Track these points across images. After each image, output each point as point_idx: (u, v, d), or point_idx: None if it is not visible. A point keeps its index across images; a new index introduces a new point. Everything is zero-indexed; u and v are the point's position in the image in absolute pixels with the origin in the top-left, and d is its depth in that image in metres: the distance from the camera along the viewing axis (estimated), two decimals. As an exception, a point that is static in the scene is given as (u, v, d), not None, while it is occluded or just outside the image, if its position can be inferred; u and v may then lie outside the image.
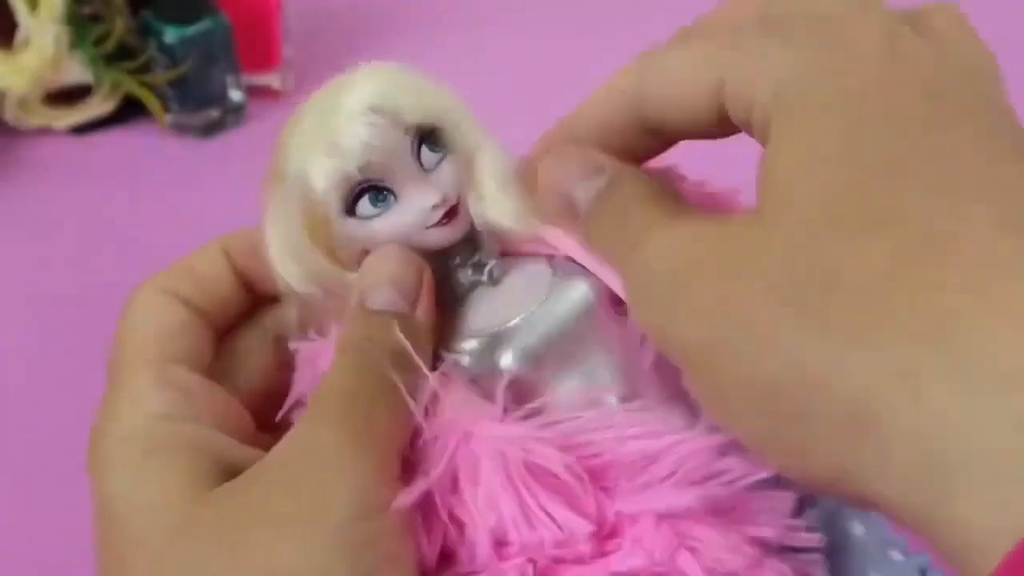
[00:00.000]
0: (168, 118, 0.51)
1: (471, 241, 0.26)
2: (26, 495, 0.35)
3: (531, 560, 0.22)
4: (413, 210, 0.24)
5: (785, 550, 0.24)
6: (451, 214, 0.25)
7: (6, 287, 0.43)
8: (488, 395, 0.24)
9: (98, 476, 0.23)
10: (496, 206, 0.25)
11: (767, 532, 0.23)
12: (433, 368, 0.24)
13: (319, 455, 0.21)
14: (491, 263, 0.25)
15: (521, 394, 0.24)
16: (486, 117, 0.26)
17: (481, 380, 0.24)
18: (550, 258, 0.26)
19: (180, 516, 0.21)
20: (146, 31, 0.49)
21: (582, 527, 0.22)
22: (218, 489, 0.22)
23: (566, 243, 0.25)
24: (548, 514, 0.22)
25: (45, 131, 0.51)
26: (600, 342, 0.25)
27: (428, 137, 0.25)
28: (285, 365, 0.26)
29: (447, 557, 0.23)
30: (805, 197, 0.19)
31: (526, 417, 0.23)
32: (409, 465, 0.23)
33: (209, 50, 0.49)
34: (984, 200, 0.18)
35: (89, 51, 0.48)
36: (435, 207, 0.24)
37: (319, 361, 0.25)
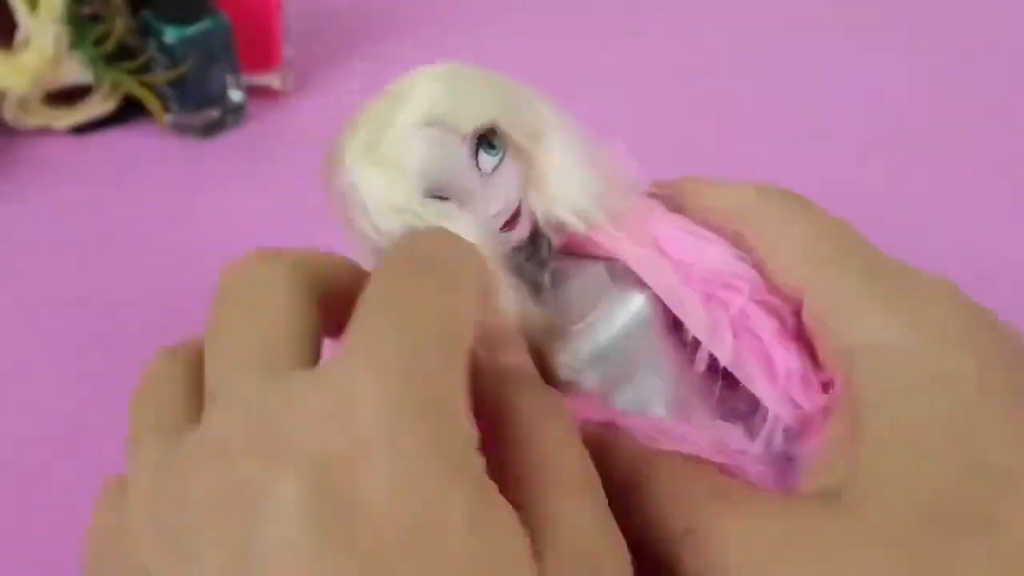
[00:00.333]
0: (168, 118, 0.51)
1: (534, 237, 0.25)
2: (27, 495, 0.35)
3: None
4: (474, 219, 0.24)
5: None
6: (513, 220, 0.24)
7: (6, 287, 0.43)
8: None
9: None
10: (559, 201, 0.24)
11: None
12: None
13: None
14: (551, 265, 0.25)
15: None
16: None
17: None
18: (609, 260, 0.25)
19: None
20: (146, 31, 0.49)
21: None
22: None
23: (627, 249, 0.24)
24: None
25: (45, 131, 0.51)
26: (652, 356, 0.24)
27: (486, 139, 0.24)
28: None
29: None
30: (906, 494, 0.19)
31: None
32: None
33: (209, 50, 0.49)
34: None
35: (89, 51, 0.48)
36: (496, 215, 0.24)
37: None
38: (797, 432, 0.23)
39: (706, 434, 0.23)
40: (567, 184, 0.24)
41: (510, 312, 0.23)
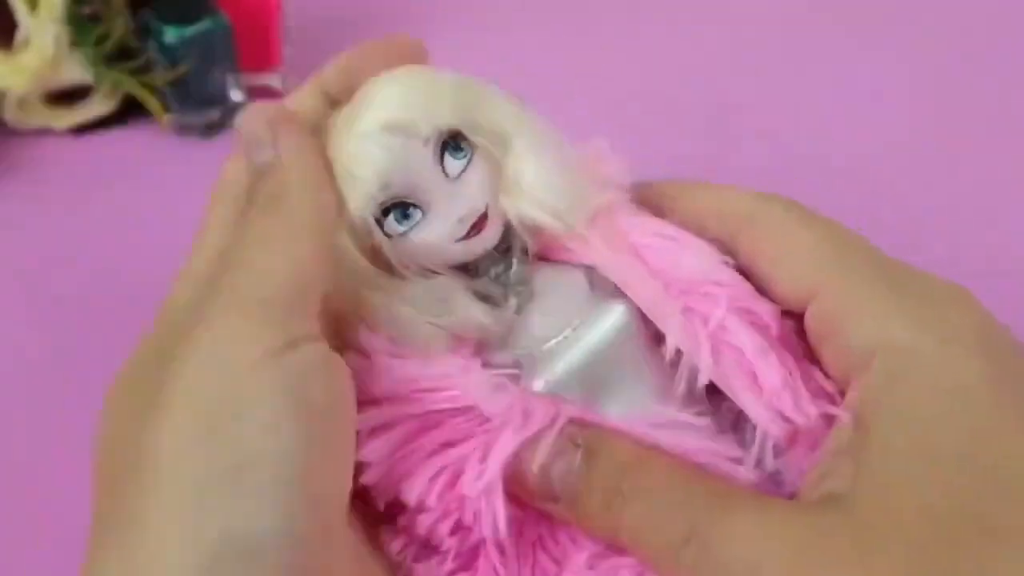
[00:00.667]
0: (168, 118, 0.51)
1: (506, 243, 0.24)
2: (27, 495, 0.35)
3: None
4: (440, 224, 0.23)
5: None
6: (480, 224, 0.23)
7: (6, 287, 0.43)
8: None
9: None
10: (531, 203, 0.24)
11: None
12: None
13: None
14: (522, 278, 0.24)
15: None
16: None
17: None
18: (587, 268, 0.25)
19: None
20: (146, 31, 0.49)
21: None
22: None
23: (602, 255, 0.24)
24: None
25: (45, 131, 0.51)
26: (634, 366, 0.24)
27: (451, 142, 0.23)
28: None
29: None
30: (916, 500, 0.19)
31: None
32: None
33: (209, 50, 0.49)
34: None
35: (89, 51, 0.48)
36: (461, 220, 0.23)
37: None
38: (787, 446, 0.23)
39: (698, 442, 0.23)
40: (538, 185, 0.24)
41: (470, 317, 0.23)
